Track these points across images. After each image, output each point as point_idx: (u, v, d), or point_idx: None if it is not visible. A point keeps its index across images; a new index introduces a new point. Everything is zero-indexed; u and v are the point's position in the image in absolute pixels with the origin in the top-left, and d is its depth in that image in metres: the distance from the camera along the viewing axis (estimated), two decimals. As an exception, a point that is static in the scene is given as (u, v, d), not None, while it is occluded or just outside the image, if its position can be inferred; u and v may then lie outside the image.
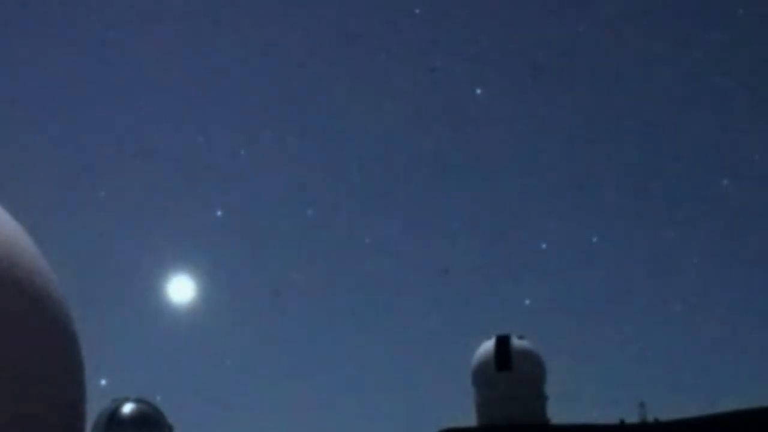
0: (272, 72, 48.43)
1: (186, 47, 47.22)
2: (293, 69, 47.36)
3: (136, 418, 22.03)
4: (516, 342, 28.13)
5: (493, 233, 48.55)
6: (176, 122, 47.37)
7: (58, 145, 45.05)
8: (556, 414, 28.13)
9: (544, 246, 44.86)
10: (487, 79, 45.84)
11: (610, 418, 27.36)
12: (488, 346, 28.34)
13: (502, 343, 28.04)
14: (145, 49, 46.25)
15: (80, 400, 12.60)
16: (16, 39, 44.20)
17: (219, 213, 44.27)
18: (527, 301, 42.81)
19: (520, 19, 47.00)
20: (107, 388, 27.20)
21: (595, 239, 46.46)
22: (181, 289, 39.30)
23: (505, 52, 46.99)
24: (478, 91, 45.18)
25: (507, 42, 46.96)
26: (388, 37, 47.74)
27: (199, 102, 47.45)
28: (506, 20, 47.69)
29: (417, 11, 46.13)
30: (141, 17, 46.62)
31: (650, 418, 26.99)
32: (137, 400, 22.51)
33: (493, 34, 46.97)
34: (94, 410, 20.93)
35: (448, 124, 47.58)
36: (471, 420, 28.26)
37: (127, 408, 22.18)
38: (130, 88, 46.93)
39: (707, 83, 46.91)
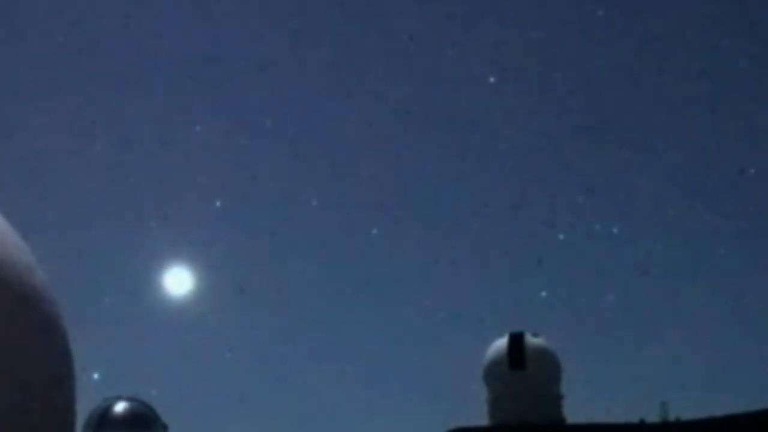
0: (273, 59, 48.37)
1: (182, 33, 47.20)
2: (295, 56, 47.34)
3: (128, 418, 22.01)
4: (530, 339, 28.10)
5: (508, 223, 48.51)
6: (174, 111, 47.36)
7: (50, 136, 45.08)
8: (572, 413, 28.17)
9: (561, 237, 44.80)
10: (502, 65, 45.74)
11: (630, 417, 27.37)
12: (501, 343, 28.32)
13: (516, 340, 28.01)
14: (141, 37, 46.30)
15: (69, 398, 12.59)
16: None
17: (218, 203, 44.32)
18: (543, 293, 42.79)
19: (535, 4, 46.81)
20: (100, 383, 27.33)
21: (615, 230, 46.37)
22: (178, 281, 39.49)
23: (518, 39, 46.85)
24: (492, 79, 45.04)
25: (522, 28, 46.80)
26: (394, 27, 47.64)
27: (196, 90, 47.43)
28: (519, 8, 47.53)
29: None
30: (136, 4, 46.68)
31: (672, 417, 26.97)
32: (130, 399, 22.47)
33: (506, 20, 46.83)
34: (85, 406, 20.95)
35: (459, 112, 47.51)
36: (483, 419, 28.29)
37: (119, 407, 22.13)
38: (125, 77, 46.96)
39: (731, 68, 46.69)
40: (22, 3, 43.55)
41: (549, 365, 28.05)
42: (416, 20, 46.95)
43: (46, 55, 45.04)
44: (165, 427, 22.67)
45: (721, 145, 48.08)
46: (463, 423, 28.13)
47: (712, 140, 47.81)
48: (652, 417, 27.12)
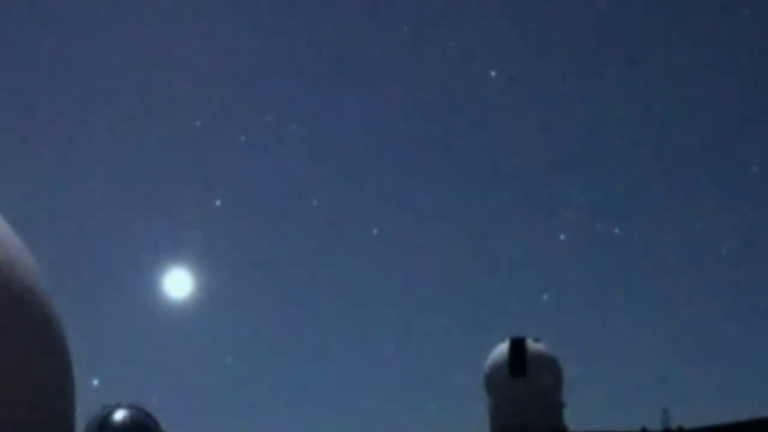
0: (274, 56, 48.40)
1: (182, 30, 47.17)
2: (296, 52, 47.32)
3: (128, 426, 21.97)
4: (532, 345, 28.07)
5: (508, 224, 48.47)
6: (173, 108, 47.29)
7: (47, 133, 45.07)
8: (574, 421, 28.15)
9: (562, 237, 44.73)
10: (503, 61, 45.65)
11: (632, 425, 27.35)
12: (502, 349, 28.29)
13: (517, 346, 27.97)
14: (140, 33, 46.24)
15: (68, 406, 12.58)
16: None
17: (218, 203, 44.24)
18: (545, 296, 42.77)
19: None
20: (100, 389, 27.26)
21: (617, 231, 46.34)
22: (178, 283, 39.35)
23: (520, 33, 46.82)
24: (493, 74, 44.93)
25: (524, 21, 46.76)
26: (395, 23, 47.62)
27: (196, 86, 47.37)
28: (521, 2, 47.54)
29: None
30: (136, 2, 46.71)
31: (674, 425, 26.96)
32: (130, 407, 22.43)
33: (508, 13, 46.80)
34: (85, 413, 20.90)
35: (460, 110, 47.46)
36: (483, 426, 28.28)
37: (119, 415, 22.10)
38: (124, 75, 46.91)
39: (733, 66, 46.66)
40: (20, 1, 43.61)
41: (550, 372, 28.00)
42: (417, 14, 46.95)
43: (44, 52, 45.05)
44: (165, 435, 22.63)
45: (724, 143, 48.09)
46: (463, 430, 28.13)
47: (714, 139, 47.82)
48: (655, 425, 27.12)
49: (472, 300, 46.37)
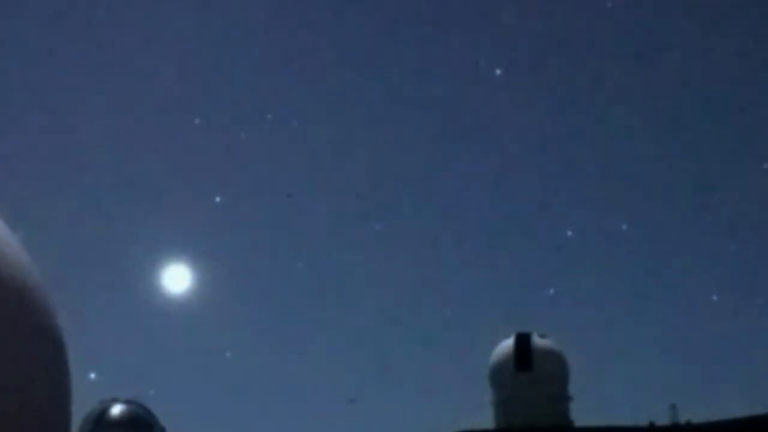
0: (273, 52, 48.36)
1: (182, 24, 47.14)
2: (297, 48, 47.31)
3: (125, 421, 21.99)
4: (537, 341, 28.08)
5: (515, 221, 48.47)
6: (173, 103, 47.31)
7: (45, 130, 45.10)
8: (580, 416, 28.15)
9: (570, 234, 44.72)
10: (507, 58, 45.65)
11: (639, 420, 27.36)
12: (507, 344, 28.31)
13: (523, 341, 27.97)
14: (140, 28, 46.24)
15: (65, 400, 12.60)
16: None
17: (218, 199, 44.24)
18: (551, 291, 42.79)
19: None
20: (97, 383, 27.33)
21: (625, 227, 46.30)
22: (177, 278, 39.43)
23: (526, 31, 46.77)
24: (498, 72, 44.93)
25: (530, 19, 46.67)
26: (398, 19, 47.59)
27: (196, 82, 47.40)
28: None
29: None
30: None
31: (682, 420, 26.95)
32: (127, 401, 22.45)
33: (513, 11, 46.71)
34: (81, 407, 20.91)
35: (466, 107, 47.44)
36: (489, 421, 28.30)
37: (116, 409, 22.11)
38: (122, 68, 46.89)
39: (740, 63, 46.55)
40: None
41: (556, 366, 28.02)
42: (421, 12, 46.92)
43: (43, 47, 45.04)
44: (163, 429, 22.66)
45: (731, 141, 48.02)
46: (469, 425, 28.15)
47: (722, 136, 47.77)
48: (662, 420, 27.12)
49: (478, 295, 46.42)
